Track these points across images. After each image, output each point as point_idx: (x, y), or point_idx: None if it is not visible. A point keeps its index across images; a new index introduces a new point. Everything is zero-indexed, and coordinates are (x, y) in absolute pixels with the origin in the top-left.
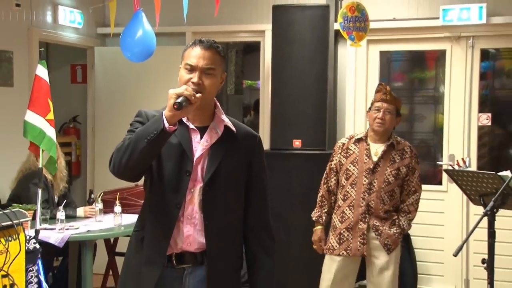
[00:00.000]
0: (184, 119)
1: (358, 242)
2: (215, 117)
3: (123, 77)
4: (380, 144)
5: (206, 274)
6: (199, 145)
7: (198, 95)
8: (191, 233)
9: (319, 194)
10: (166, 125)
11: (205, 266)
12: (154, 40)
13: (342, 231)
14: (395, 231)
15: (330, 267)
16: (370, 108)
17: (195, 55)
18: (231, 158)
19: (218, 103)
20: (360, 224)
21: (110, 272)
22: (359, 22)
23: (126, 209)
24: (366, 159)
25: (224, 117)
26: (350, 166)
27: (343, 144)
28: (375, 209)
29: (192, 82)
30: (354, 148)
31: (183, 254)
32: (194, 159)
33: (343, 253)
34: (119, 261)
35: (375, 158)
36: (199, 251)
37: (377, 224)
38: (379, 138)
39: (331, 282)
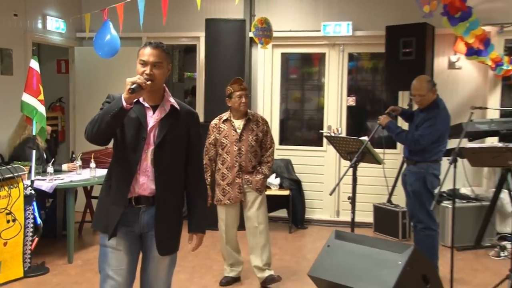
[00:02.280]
0: (141, 99)
1: (237, 192)
2: (164, 98)
3: (96, 69)
4: (241, 120)
5: (155, 211)
6: (152, 119)
7: (149, 82)
8: (145, 182)
9: (203, 163)
10: (124, 104)
11: (155, 206)
12: (119, 42)
13: (224, 187)
14: (260, 177)
15: (221, 214)
16: (231, 96)
17: (147, 53)
18: (175, 129)
19: (166, 88)
20: (237, 180)
21: (88, 211)
22: (266, 31)
23: (99, 165)
24: (233, 133)
25: (171, 98)
26: (223, 140)
27: (216, 124)
28: (245, 167)
29: (146, 73)
30: (223, 126)
31: (140, 197)
32: (148, 128)
33: (227, 202)
34: (94, 202)
35: (239, 131)
36: (151, 195)
37: (247, 177)
38: (240, 116)
39: (225, 226)
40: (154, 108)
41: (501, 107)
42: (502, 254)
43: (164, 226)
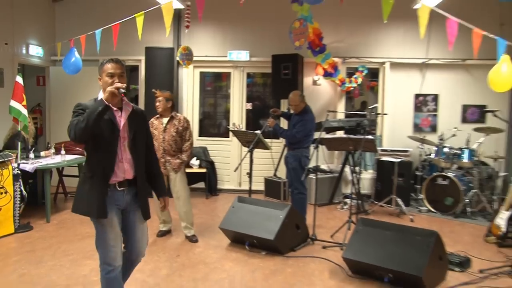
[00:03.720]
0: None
1: (162, 167)
2: (123, 102)
3: (64, 83)
4: (166, 118)
5: (138, 189)
6: (122, 118)
7: (124, 86)
8: (128, 168)
9: None
10: (106, 103)
11: (136, 186)
12: (81, 63)
13: None
14: (178, 162)
15: None
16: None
17: (112, 67)
18: (138, 124)
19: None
20: (161, 159)
21: (60, 185)
22: (188, 56)
23: (67, 152)
24: (161, 126)
25: (127, 101)
26: (154, 131)
27: (151, 121)
28: (167, 151)
29: (115, 83)
30: (155, 122)
31: (123, 181)
32: (120, 126)
33: None
34: (65, 179)
35: (164, 125)
36: (132, 178)
37: (169, 159)
38: (165, 115)
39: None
40: (119, 110)
41: (345, 111)
42: (345, 207)
43: (144, 199)
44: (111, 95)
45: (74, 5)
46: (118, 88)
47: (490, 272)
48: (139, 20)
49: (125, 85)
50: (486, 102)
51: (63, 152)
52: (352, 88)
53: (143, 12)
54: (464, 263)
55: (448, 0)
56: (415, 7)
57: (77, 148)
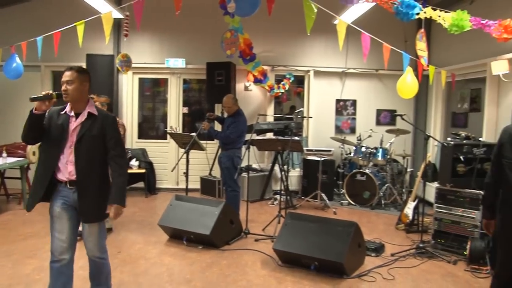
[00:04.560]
0: (67, 110)
1: None
2: (85, 107)
3: (6, 87)
4: None
5: (77, 190)
6: (74, 123)
7: (55, 94)
8: (72, 170)
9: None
10: (34, 111)
11: (76, 187)
12: (22, 69)
13: None
14: None
15: None
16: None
17: (64, 75)
18: (92, 129)
19: (90, 100)
20: None
21: (2, 186)
22: (126, 63)
23: (9, 155)
24: None
25: (91, 107)
26: None
27: None
28: None
29: (62, 89)
30: None
31: (70, 181)
32: (70, 131)
33: None
34: (6, 181)
35: None
36: (75, 179)
37: None
38: None
39: None
40: (78, 116)
41: (274, 114)
42: (275, 202)
43: (85, 201)
44: (39, 103)
45: (16, 12)
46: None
47: (399, 255)
48: (80, 28)
49: (50, 91)
50: (396, 107)
51: (4, 154)
52: (280, 94)
53: (83, 20)
54: (379, 249)
55: (363, 18)
56: (334, 22)
57: (19, 151)
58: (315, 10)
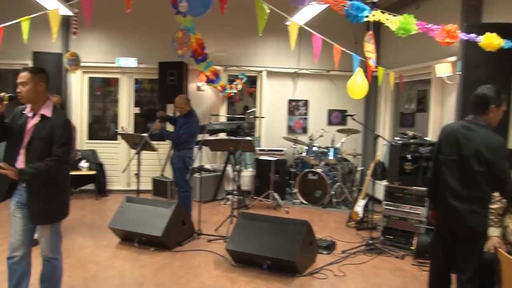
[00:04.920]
0: (26, 111)
1: None
2: (41, 108)
3: None
4: None
5: (26, 191)
6: (29, 124)
7: (7, 96)
8: (23, 167)
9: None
10: None
11: (25, 187)
12: None
13: None
14: None
15: None
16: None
17: (18, 76)
18: (42, 131)
19: (47, 101)
20: None
21: None
22: (75, 61)
23: None
24: None
25: (46, 108)
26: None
27: None
28: None
29: (17, 91)
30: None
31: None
32: (26, 131)
33: None
34: None
35: None
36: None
37: None
38: None
39: None
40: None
41: (226, 115)
42: (227, 202)
43: (34, 203)
44: None
45: None
46: None
47: (350, 252)
48: (25, 24)
49: (3, 93)
50: (346, 107)
51: None
52: (233, 94)
53: (28, 16)
54: (330, 246)
55: (315, 19)
56: (286, 23)
57: None
58: (267, 11)
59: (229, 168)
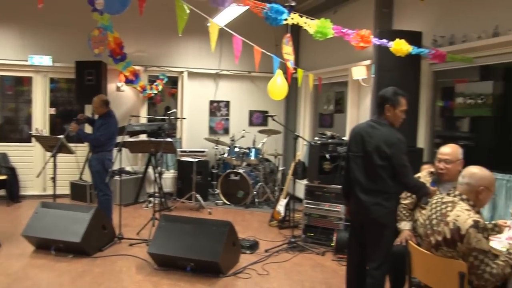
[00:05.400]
0: None
1: None
2: None
3: None
4: None
5: None
6: None
7: None
8: None
9: None
10: None
11: None
12: None
13: None
14: None
15: None
16: None
17: None
18: None
19: None
20: None
21: None
22: None
23: None
24: None
25: None
26: None
27: None
28: None
29: None
30: None
31: None
32: None
33: None
34: None
35: None
36: None
37: None
38: None
39: None
40: None
41: (147, 116)
42: (149, 205)
43: None
44: None
45: None
46: None
47: (273, 250)
48: None
49: None
50: (267, 108)
51: None
52: (153, 95)
53: None
54: (253, 246)
55: (236, 21)
56: (207, 24)
57: None
58: (188, 11)
59: (150, 170)
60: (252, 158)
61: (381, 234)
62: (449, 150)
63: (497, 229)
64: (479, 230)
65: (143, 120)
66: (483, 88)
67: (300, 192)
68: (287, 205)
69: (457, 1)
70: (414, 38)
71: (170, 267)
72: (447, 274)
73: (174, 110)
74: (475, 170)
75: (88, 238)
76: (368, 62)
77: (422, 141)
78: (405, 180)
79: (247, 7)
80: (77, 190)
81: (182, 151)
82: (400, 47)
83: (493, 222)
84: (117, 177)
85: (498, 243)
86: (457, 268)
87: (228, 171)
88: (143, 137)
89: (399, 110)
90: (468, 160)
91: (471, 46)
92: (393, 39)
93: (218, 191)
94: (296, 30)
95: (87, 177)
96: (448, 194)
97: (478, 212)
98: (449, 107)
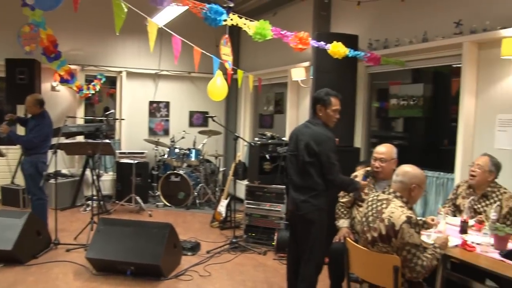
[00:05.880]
0: None
1: None
2: None
3: None
4: None
5: None
6: None
7: None
8: None
9: None
10: None
11: None
12: None
13: None
14: None
15: None
16: None
17: None
18: None
19: None
20: None
21: None
22: None
23: None
24: None
25: None
26: None
27: None
28: None
29: None
30: None
31: None
32: None
33: None
34: None
35: None
36: None
37: None
38: None
39: None
40: None
41: (85, 117)
42: (87, 208)
43: None
44: None
45: None
46: None
47: (215, 251)
48: None
49: None
50: (208, 108)
51: None
52: (90, 95)
53: None
54: (195, 247)
55: (176, 21)
56: (146, 23)
57: None
58: (125, 10)
59: (88, 172)
60: (193, 159)
61: (309, 231)
62: (384, 150)
63: (426, 226)
64: (411, 226)
65: (80, 121)
66: (414, 90)
67: (241, 192)
68: (228, 205)
69: (391, 7)
70: (350, 41)
71: (109, 271)
72: (382, 268)
73: (112, 111)
74: (408, 169)
75: (20, 245)
76: (307, 63)
77: (359, 141)
78: (332, 177)
79: (186, 7)
80: (9, 195)
81: (121, 153)
82: (337, 49)
83: (422, 219)
84: (52, 181)
85: (427, 237)
86: (391, 263)
87: (168, 172)
88: (80, 138)
89: (331, 110)
90: (402, 159)
91: (403, 50)
92: (330, 42)
93: (158, 193)
94: (236, 32)
95: (20, 181)
96: (383, 192)
97: (411, 209)
98: (384, 108)
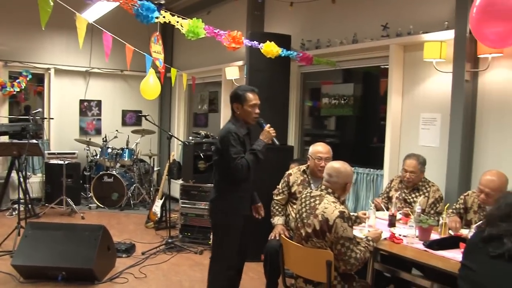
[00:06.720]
0: None
1: None
2: None
3: None
4: None
5: None
6: None
7: None
8: None
9: None
10: None
11: None
12: None
13: None
14: None
15: None
16: None
17: None
18: None
19: None
20: None
21: None
22: None
23: None
24: None
25: None
26: None
27: None
28: None
29: None
30: None
31: None
32: None
33: None
34: None
35: None
36: None
37: None
38: None
39: None
40: None
41: (9, 116)
42: (13, 213)
43: None
44: None
45: None
46: None
47: (150, 252)
48: None
49: None
50: (141, 107)
51: None
52: (15, 93)
53: None
54: (129, 249)
55: (107, 17)
56: (75, 18)
57: None
58: (51, 3)
59: (14, 174)
60: (126, 159)
61: (214, 231)
62: (328, 149)
63: (358, 221)
64: (344, 220)
65: (4, 120)
66: (345, 90)
67: (176, 192)
68: (163, 205)
69: (323, 8)
70: (283, 41)
71: (39, 278)
72: (316, 263)
73: (39, 110)
74: (340, 169)
75: None
76: (240, 62)
77: (292, 139)
78: (238, 174)
79: (117, 3)
80: None
81: (50, 153)
82: (270, 49)
83: (355, 214)
84: None
85: (359, 231)
86: (324, 257)
87: (101, 173)
88: (4, 138)
89: (248, 106)
90: (334, 156)
91: (335, 50)
92: (264, 41)
93: (91, 194)
94: (170, 30)
95: None
96: (316, 189)
97: (343, 203)
98: (317, 107)
